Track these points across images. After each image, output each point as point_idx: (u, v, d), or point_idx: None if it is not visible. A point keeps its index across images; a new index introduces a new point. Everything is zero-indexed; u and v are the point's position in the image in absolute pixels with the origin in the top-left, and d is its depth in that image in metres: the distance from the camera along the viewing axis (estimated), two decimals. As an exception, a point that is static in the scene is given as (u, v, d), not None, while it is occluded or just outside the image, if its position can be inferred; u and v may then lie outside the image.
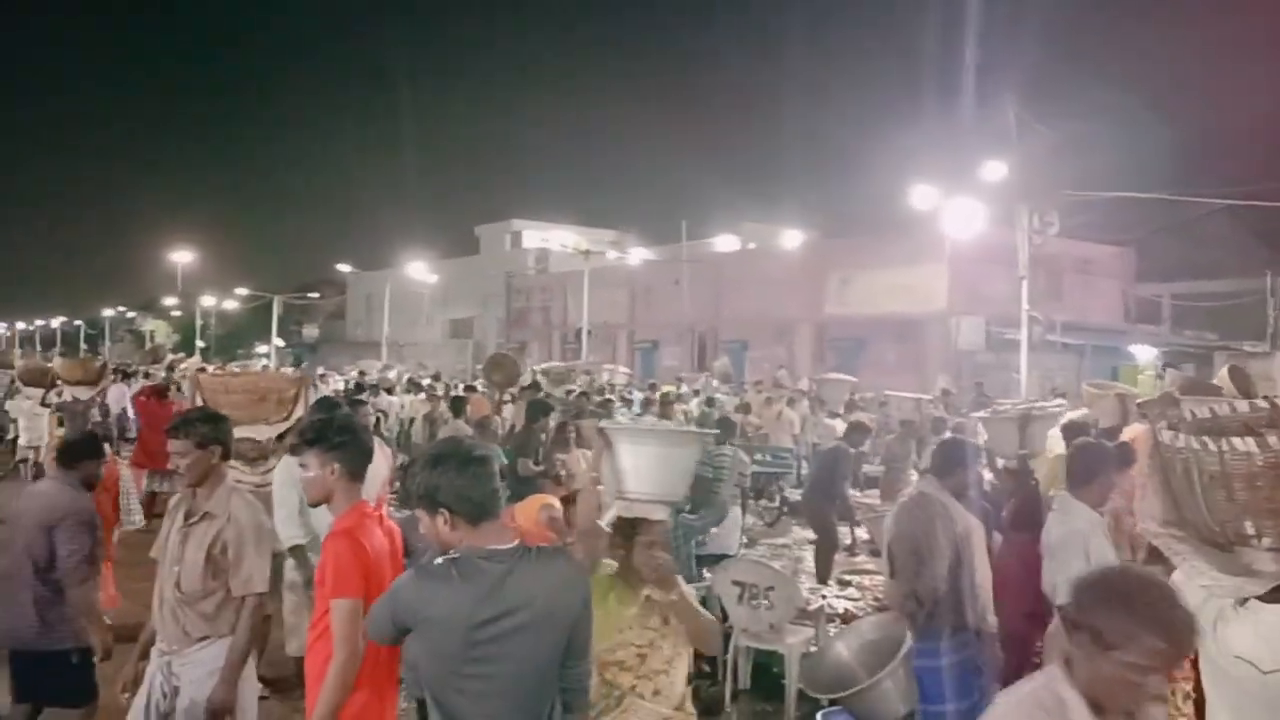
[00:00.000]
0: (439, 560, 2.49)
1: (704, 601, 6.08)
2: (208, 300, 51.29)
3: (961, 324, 26.67)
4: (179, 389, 13.36)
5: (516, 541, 2.55)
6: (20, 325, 67.19)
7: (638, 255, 35.69)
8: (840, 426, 12.36)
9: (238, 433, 4.48)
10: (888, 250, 27.90)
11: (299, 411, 6.93)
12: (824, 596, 8.11)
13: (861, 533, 10.02)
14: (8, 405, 9.82)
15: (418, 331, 42.77)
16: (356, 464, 3.21)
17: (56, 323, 68.61)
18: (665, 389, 16.29)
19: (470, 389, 15.62)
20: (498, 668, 2.42)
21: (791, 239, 32.58)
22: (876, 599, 7.43)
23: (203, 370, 12.74)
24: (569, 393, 13.25)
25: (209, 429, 3.73)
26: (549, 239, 44.19)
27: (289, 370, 20.46)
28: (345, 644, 2.94)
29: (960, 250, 24.33)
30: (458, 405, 11.77)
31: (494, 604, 2.41)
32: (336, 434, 3.22)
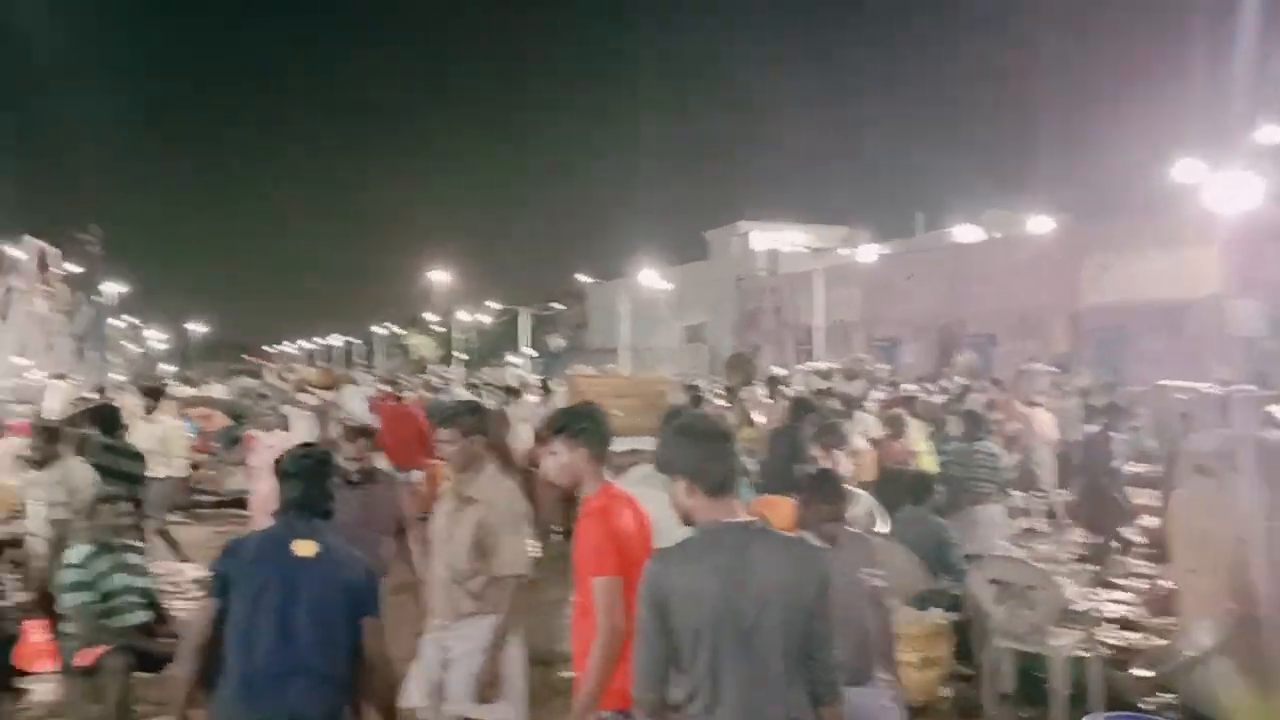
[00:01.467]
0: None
1: (958, 601, 5.82)
2: (463, 315, 55.00)
3: (1238, 308, 24.02)
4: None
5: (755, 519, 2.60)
6: (302, 343, 75.04)
7: (871, 251, 34.73)
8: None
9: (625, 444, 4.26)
10: (1149, 232, 25.62)
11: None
12: (1094, 599, 7.54)
13: (1132, 533, 9.23)
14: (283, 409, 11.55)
15: (656, 337, 43.76)
16: (600, 447, 3.35)
17: (337, 341, 75.90)
18: (907, 387, 15.70)
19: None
20: (742, 642, 2.41)
21: (1040, 225, 30.62)
22: (1151, 602, 6.82)
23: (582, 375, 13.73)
24: (818, 392, 13.04)
25: (473, 420, 4.03)
26: (778, 240, 43.96)
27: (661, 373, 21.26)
28: (607, 620, 3.05)
29: (1233, 228, 21.93)
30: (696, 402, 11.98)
31: (733, 575, 2.42)
32: (580, 421, 3.38)
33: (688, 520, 2.60)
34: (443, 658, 3.87)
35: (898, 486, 7.20)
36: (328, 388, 13.00)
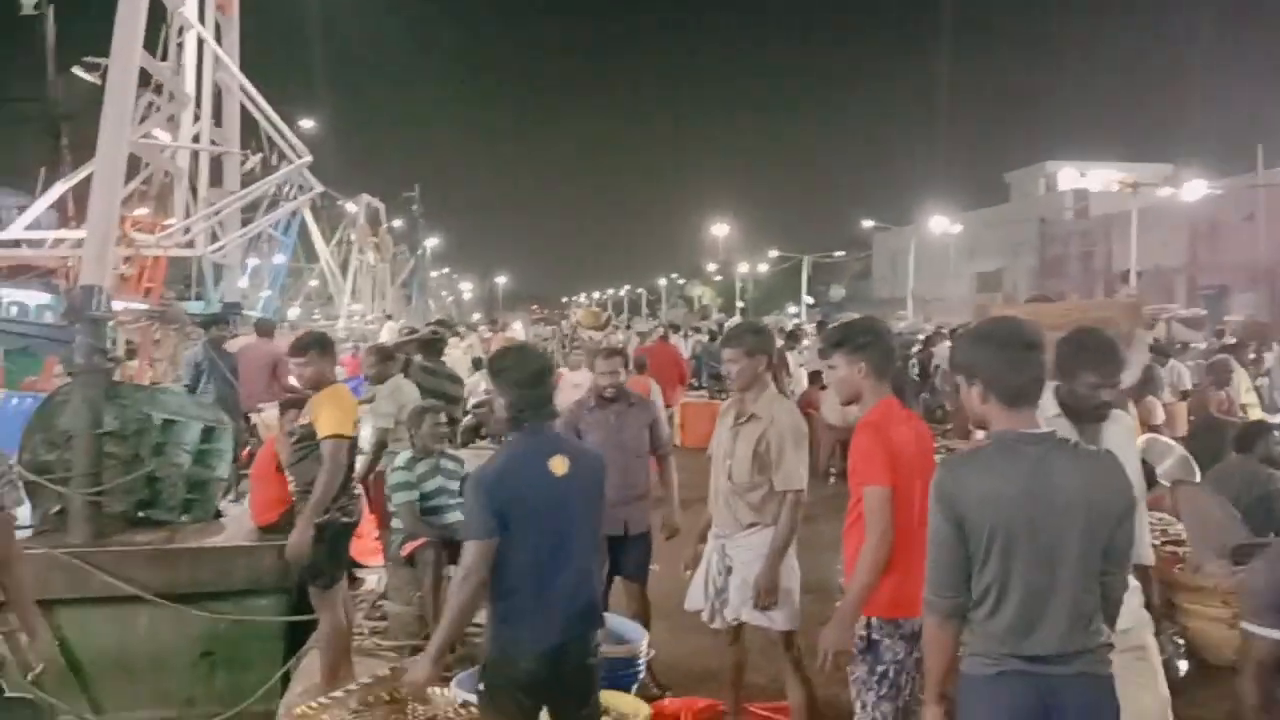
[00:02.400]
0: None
1: None
2: (743, 266, 55.48)
3: None
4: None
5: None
6: (596, 294, 79.27)
7: (1196, 189, 30.99)
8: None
9: None
10: None
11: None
12: None
13: None
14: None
15: (944, 286, 41.88)
16: (881, 363, 3.29)
17: (624, 291, 79.32)
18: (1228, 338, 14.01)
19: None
20: (1034, 550, 2.31)
21: None
22: None
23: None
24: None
25: (756, 340, 4.09)
26: (1088, 178, 40.36)
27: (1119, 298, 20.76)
28: (876, 528, 3.03)
29: None
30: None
31: (1031, 484, 2.31)
32: (861, 335, 3.34)
33: (981, 425, 2.50)
34: (724, 565, 4.00)
35: (1219, 436, 6.53)
36: (598, 328, 13.75)
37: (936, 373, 14.11)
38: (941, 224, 39.08)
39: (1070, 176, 42.19)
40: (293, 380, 6.29)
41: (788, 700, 3.98)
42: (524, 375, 3.04)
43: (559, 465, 3.01)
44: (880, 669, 3.07)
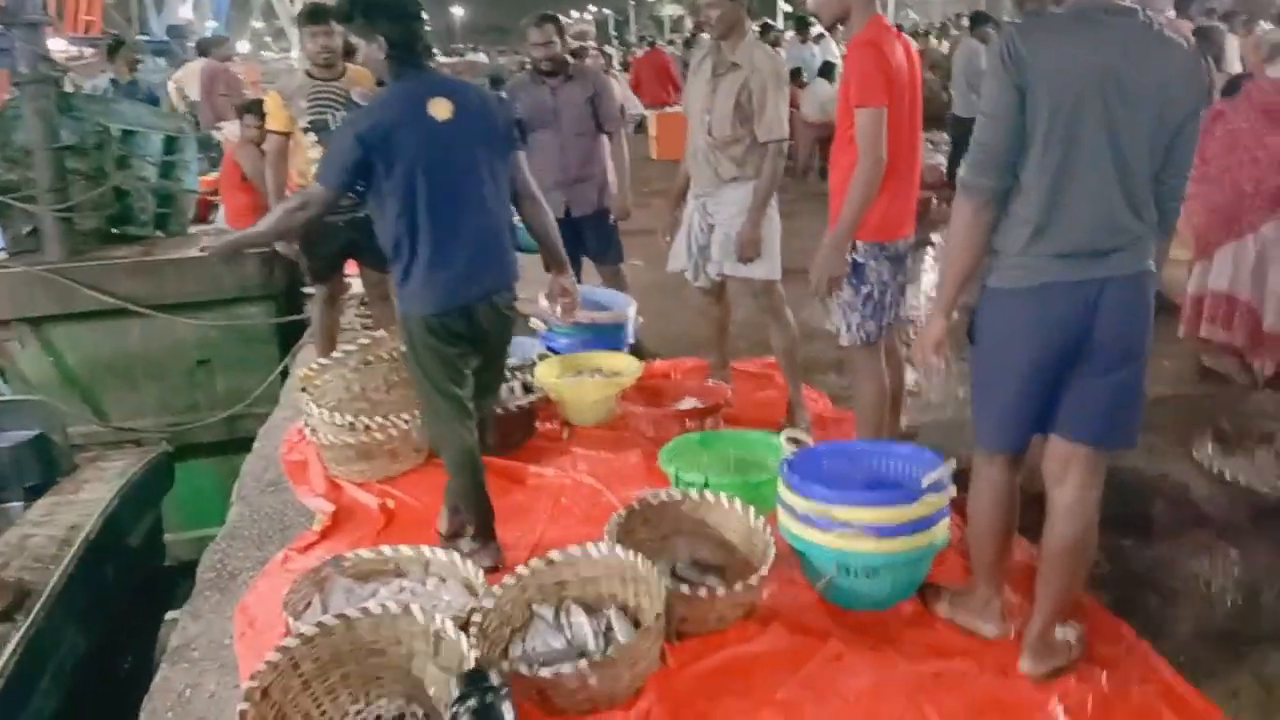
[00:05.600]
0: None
1: None
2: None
3: None
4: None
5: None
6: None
7: None
8: None
9: None
10: None
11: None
12: None
13: None
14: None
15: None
16: None
17: (589, 14, 75.19)
18: None
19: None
20: (1100, 134, 2.10)
21: None
22: None
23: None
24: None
25: None
26: None
27: None
28: (870, 151, 2.95)
29: None
30: None
31: (1109, 59, 2.07)
32: None
33: None
34: (705, 223, 3.99)
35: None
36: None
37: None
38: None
39: None
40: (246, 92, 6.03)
41: (772, 348, 4.09)
42: (394, 7, 2.75)
43: (440, 108, 2.74)
44: (865, 290, 3.12)
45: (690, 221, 4.08)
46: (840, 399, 4.25)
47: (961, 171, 2.24)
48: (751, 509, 2.77)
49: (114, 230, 6.37)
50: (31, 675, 3.17)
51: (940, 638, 2.49)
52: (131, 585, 4.42)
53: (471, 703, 1.35)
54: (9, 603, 3.14)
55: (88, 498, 4.42)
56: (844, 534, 2.47)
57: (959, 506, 2.59)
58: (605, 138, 4.88)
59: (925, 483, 2.51)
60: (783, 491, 2.64)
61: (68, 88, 6.81)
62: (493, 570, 2.88)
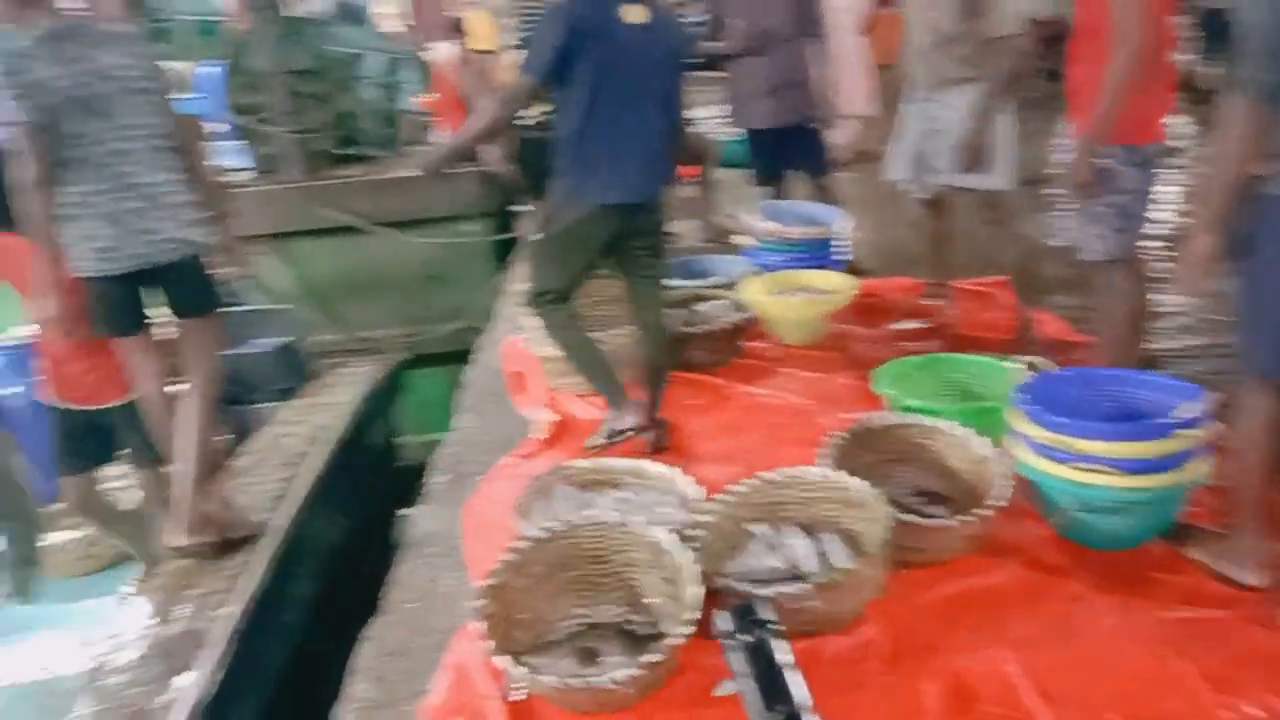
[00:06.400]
0: None
1: None
2: None
3: None
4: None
5: None
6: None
7: None
8: None
9: None
10: None
11: None
12: None
13: None
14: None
15: None
16: None
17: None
18: None
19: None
20: None
21: None
22: None
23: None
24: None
25: None
26: None
27: None
28: (1132, 37, 2.65)
29: None
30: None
31: None
32: None
33: None
34: (926, 128, 3.76)
35: None
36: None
37: None
38: None
39: None
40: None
41: (998, 264, 3.85)
42: None
43: (634, 13, 2.87)
44: (1116, 198, 2.85)
45: (910, 127, 3.86)
46: (1076, 321, 3.96)
47: (1230, 67, 1.99)
48: (983, 437, 2.63)
49: (342, 151, 6.75)
50: (293, 562, 3.50)
51: (1193, 583, 2.30)
52: (372, 483, 4.79)
53: (745, 637, 1.35)
54: (244, 536, 3.46)
55: (334, 401, 4.80)
56: (1086, 467, 2.30)
57: (1217, 443, 2.36)
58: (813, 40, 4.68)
59: (1179, 415, 2.30)
60: (1016, 420, 2.49)
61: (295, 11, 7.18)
62: (642, 430, 3.10)
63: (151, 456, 3.53)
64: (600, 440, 3.19)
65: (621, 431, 3.16)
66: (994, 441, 2.61)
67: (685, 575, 2.22)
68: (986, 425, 2.69)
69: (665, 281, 3.27)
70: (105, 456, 3.62)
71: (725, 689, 2.00)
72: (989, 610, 2.27)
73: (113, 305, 3.18)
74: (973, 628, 2.21)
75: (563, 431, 3.45)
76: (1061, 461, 2.34)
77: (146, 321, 3.20)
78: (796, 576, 2.33)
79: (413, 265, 6.44)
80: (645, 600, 2.38)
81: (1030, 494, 2.50)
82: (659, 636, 2.26)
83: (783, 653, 1.42)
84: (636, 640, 2.32)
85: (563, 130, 2.95)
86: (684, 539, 2.37)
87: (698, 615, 2.07)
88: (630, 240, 3.06)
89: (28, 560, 3.66)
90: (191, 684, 2.75)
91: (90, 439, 3.52)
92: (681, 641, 2.06)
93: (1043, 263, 4.24)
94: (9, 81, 2.89)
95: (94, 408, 3.46)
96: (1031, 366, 3.01)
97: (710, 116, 7.33)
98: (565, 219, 3.01)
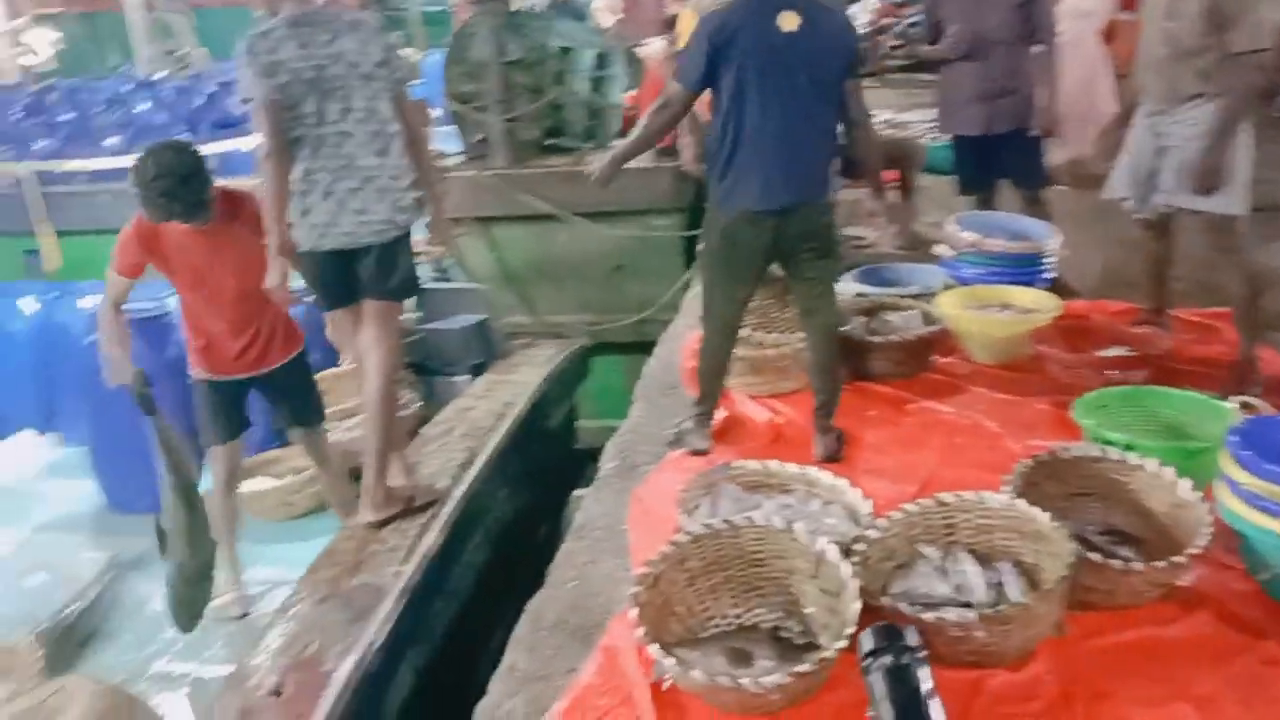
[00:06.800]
0: None
1: None
2: None
3: None
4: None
5: None
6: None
7: None
8: None
9: None
10: None
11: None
12: None
13: None
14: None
15: None
16: None
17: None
18: None
19: None
20: None
21: None
22: None
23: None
24: None
25: None
26: None
27: None
28: None
29: None
30: None
31: None
32: None
33: None
34: (1156, 145, 3.49)
35: None
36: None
37: None
38: None
39: None
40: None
41: (1224, 296, 3.54)
42: None
43: (788, 20, 2.84)
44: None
45: (1138, 143, 3.60)
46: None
47: None
48: (1185, 480, 2.43)
49: (548, 141, 6.97)
50: (468, 528, 3.67)
51: None
52: (549, 462, 4.95)
53: (886, 660, 1.31)
54: (429, 502, 3.64)
55: (519, 380, 4.99)
56: (1305, 524, 2.09)
57: None
58: (1035, 48, 4.45)
59: None
60: (1227, 465, 2.28)
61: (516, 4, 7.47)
62: (701, 454, 3.19)
63: (313, 419, 3.81)
64: (670, 433, 3.34)
65: (684, 440, 3.28)
66: (1198, 485, 2.40)
67: (847, 589, 2.17)
68: (1192, 467, 2.48)
69: (835, 287, 3.22)
70: (248, 424, 3.85)
71: (879, 711, 1.94)
72: (1172, 663, 2.10)
73: (325, 280, 3.43)
74: (1152, 679, 2.05)
75: (733, 430, 3.44)
76: (1276, 515, 2.13)
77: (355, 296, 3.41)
78: (965, 604, 2.23)
79: (604, 255, 6.59)
80: (803, 610, 2.34)
81: (1235, 546, 2.29)
82: (813, 647, 2.22)
83: (926, 680, 1.36)
84: (789, 648, 2.29)
85: (712, 138, 2.99)
86: (848, 552, 2.31)
87: (854, 630, 2.02)
88: (793, 245, 3.04)
89: (194, 596, 3.52)
90: (366, 633, 2.93)
91: (238, 408, 3.75)
92: (835, 656, 2.02)
93: (1272, 296, 3.86)
94: (254, 61, 3.17)
95: (244, 376, 3.67)
96: (1247, 407, 2.75)
97: (918, 120, 7.12)
98: (717, 226, 3.04)
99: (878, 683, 1.38)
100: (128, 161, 3.42)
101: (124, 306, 3.56)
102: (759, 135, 2.90)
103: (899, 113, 7.46)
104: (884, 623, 1.48)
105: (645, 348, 4.78)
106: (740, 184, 2.95)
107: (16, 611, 3.89)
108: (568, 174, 6.57)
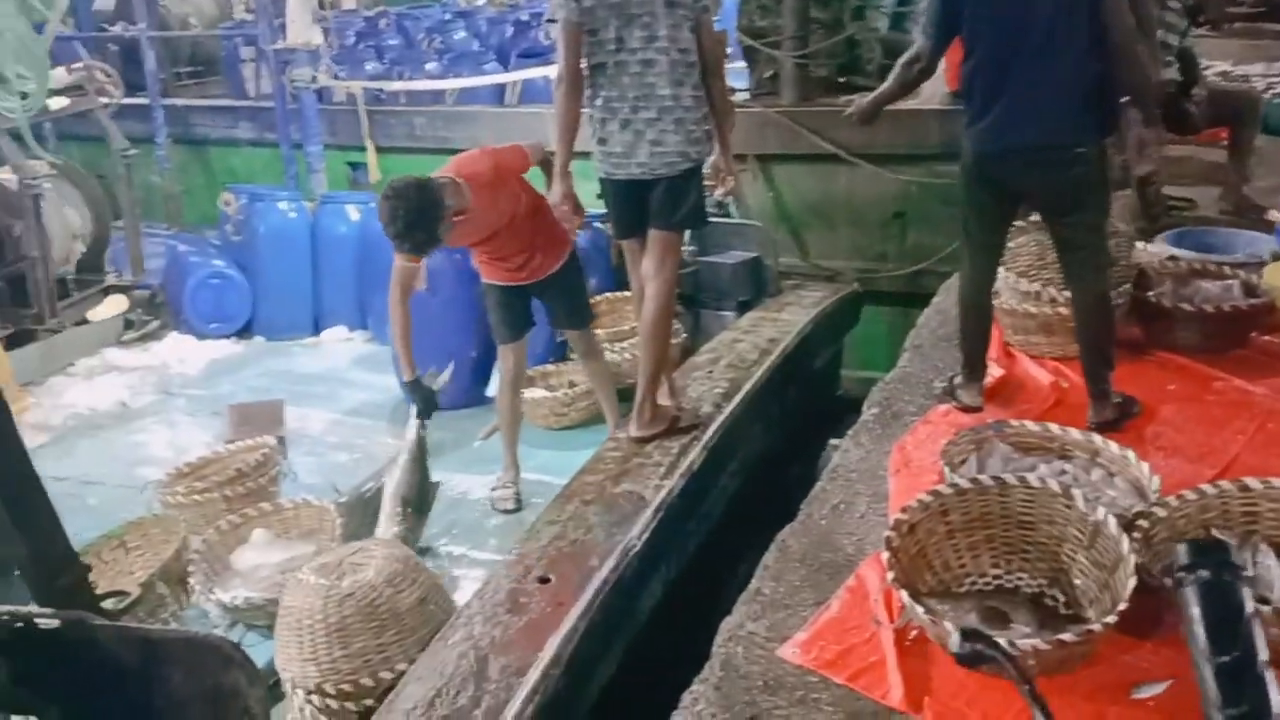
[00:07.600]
0: None
1: None
2: None
3: None
4: None
5: None
6: None
7: None
8: None
9: None
10: None
11: None
12: None
13: None
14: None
15: None
16: None
17: None
18: None
19: None
20: None
21: None
22: None
23: None
24: None
25: None
26: None
27: None
28: None
29: None
30: None
31: None
32: None
33: None
34: None
35: None
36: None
37: None
38: None
39: None
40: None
41: None
42: None
43: None
44: None
45: None
46: None
47: None
48: None
49: (841, 79, 6.78)
50: (723, 457, 3.75)
51: None
52: (808, 404, 4.93)
53: (1203, 574, 1.15)
54: (691, 425, 3.74)
55: (786, 319, 4.97)
56: None
57: None
58: None
59: None
60: None
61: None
62: (971, 410, 3.09)
63: (584, 320, 4.13)
64: (940, 385, 3.30)
65: (954, 395, 3.19)
66: None
67: (1123, 565, 2.03)
68: None
69: (1103, 252, 2.96)
70: (532, 322, 4.18)
71: (1145, 691, 1.83)
72: None
73: (617, 209, 3.55)
74: None
75: (1009, 390, 3.28)
76: None
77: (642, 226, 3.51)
78: (1261, 600, 2.02)
79: (884, 201, 6.37)
80: (1072, 580, 2.22)
81: None
82: (1077, 620, 2.11)
83: (1249, 602, 1.17)
84: (1051, 617, 2.19)
85: (960, 86, 2.95)
86: (1130, 527, 2.16)
87: (1126, 608, 1.89)
88: (1036, 196, 2.93)
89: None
90: (628, 536, 3.09)
91: (523, 309, 4.07)
92: (1103, 631, 1.91)
93: None
94: (563, -17, 3.27)
95: (528, 283, 3.96)
96: None
97: (1262, 74, 6.28)
98: (963, 169, 2.99)
99: (1191, 599, 1.21)
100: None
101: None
102: (988, 69, 2.81)
103: (1238, 64, 6.61)
104: (1205, 537, 1.32)
105: (921, 300, 4.60)
106: (973, 123, 2.86)
107: (323, 483, 4.42)
108: (857, 114, 6.40)
